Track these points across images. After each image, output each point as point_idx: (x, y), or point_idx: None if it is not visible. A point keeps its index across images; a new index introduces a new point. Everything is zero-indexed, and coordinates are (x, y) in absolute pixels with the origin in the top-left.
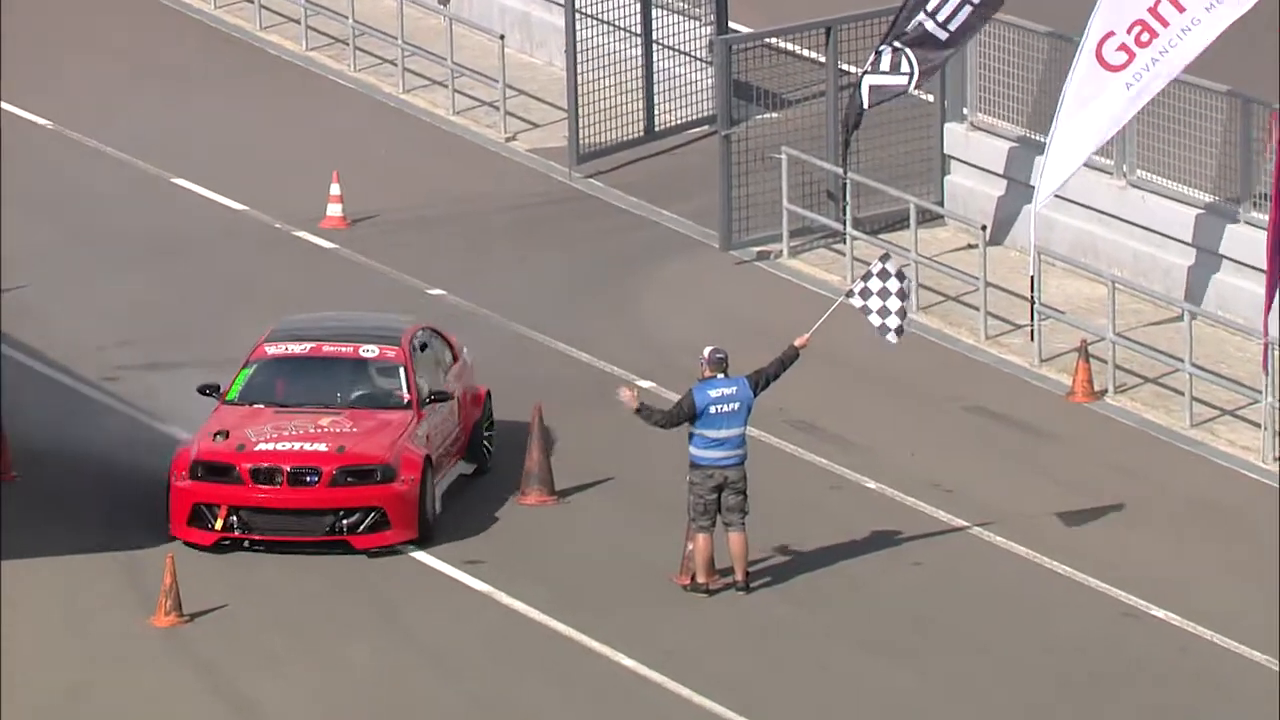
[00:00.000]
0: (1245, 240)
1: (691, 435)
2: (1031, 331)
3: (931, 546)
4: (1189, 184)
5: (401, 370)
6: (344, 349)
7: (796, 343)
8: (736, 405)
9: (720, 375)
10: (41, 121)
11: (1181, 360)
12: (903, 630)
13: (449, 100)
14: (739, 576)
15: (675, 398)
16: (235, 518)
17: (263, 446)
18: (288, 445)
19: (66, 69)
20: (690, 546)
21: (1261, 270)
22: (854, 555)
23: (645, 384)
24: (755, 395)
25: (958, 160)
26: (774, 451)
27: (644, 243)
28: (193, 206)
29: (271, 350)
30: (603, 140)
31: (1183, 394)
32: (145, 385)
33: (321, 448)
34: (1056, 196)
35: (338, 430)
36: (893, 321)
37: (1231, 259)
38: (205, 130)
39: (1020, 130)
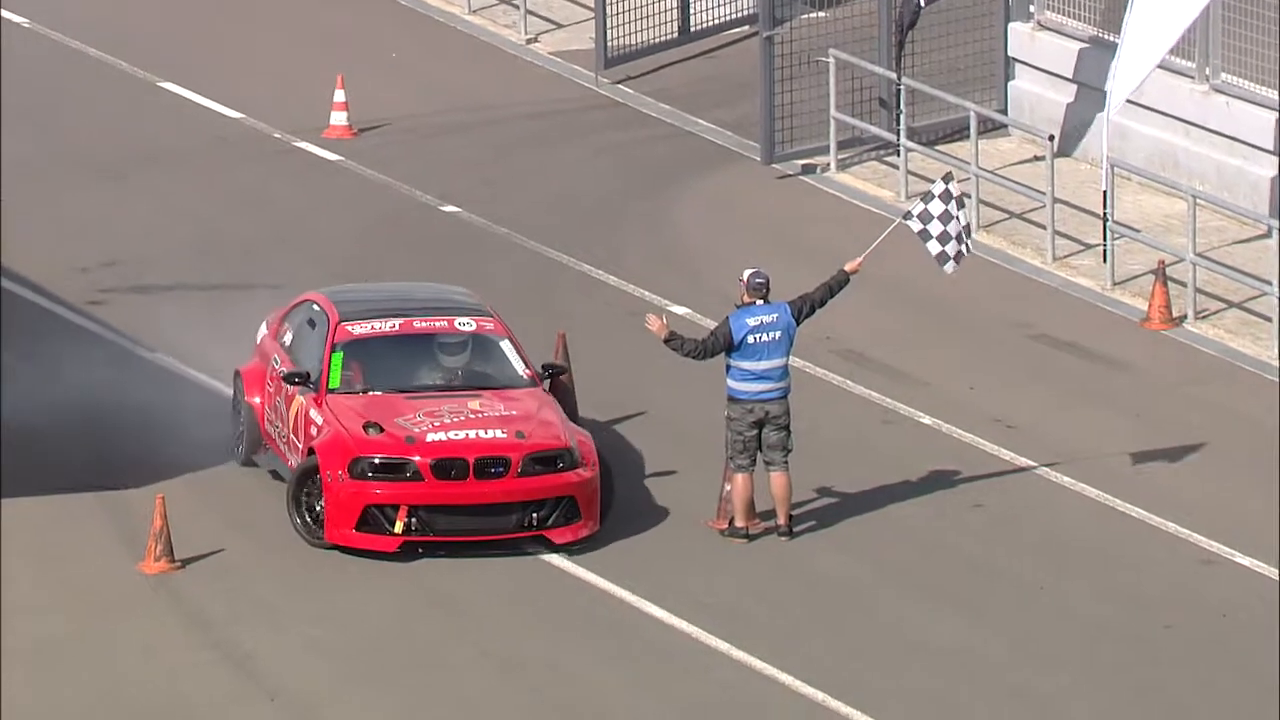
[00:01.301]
0: None
1: (729, 367)
2: (1104, 252)
3: (992, 488)
4: (1278, 87)
5: (507, 343)
6: (437, 323)
7: (847, 267)
8: (778, 334)
9: (760, 301)
10: (19, 20)
11: (1269, 283)
12: (959, 579)
13: None
14: (781, 520)
15: (710, 324)
16: (414, 519)
17: (435, 437)
18: (461, 434)
19: None
20: (728, 487)
21: None
22: (907, 497)
23: (678, 310)
24: (799, 323)
25: (1023, 63)
26: (819, 383)
27: (678, 155)
28: (183, 114)
29: (358, 330)
30: (633, 42)
31: (1270, 320)
32: (133, 310)
33: (500, 434)
34: (1131, 103)
35: (496, 414)
36: (951, 248)
37: None
38: (196, 30)
39: (1091, 29)
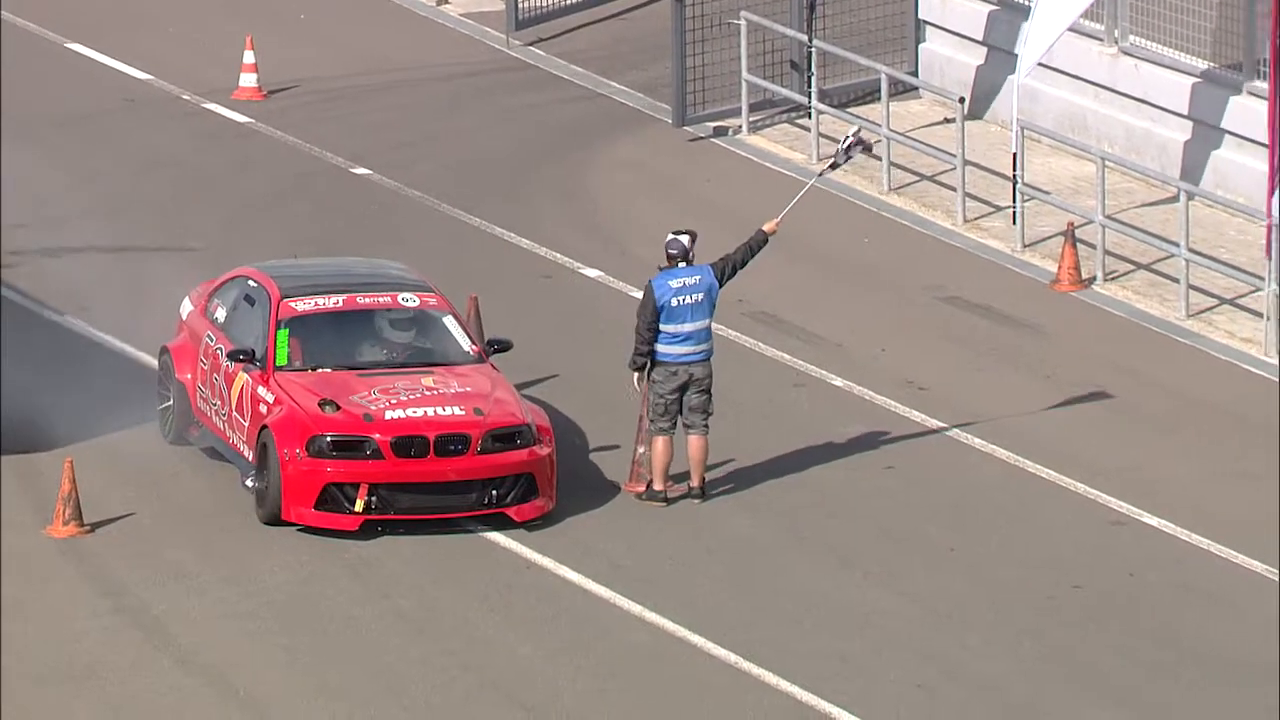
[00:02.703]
0: (1247, 112)
1: None
2: (1014, 214)
3: (904, 450)
4: (1186, 50)
5: (451, 318)
6: (381, 299)
7: (765, 227)
8: (700, 295)
9: (682, 264)
10: None
11: (1177, 244)
12: (871, 541)
13: None
14: (694, 482)
15: (624, 289)
16: (374, 497)
17: (394, 415)
18: (420, 412)
19: None
20: (641, 450)
21: (1264, 145)
22: (819, 460)
23: (591, 273)
24: (721, 284)
25: (934, 26)
26: (733, 346)
27: (590, 117)
28: (91, 75)
29: (301, 307)
30: (544, 4)
31: (1178, 281)
32: (42, 273)
33: (458, 411)
34: (1041, 65)
35: (452, 391)
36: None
37: (1232, 133)
38: None
39: None
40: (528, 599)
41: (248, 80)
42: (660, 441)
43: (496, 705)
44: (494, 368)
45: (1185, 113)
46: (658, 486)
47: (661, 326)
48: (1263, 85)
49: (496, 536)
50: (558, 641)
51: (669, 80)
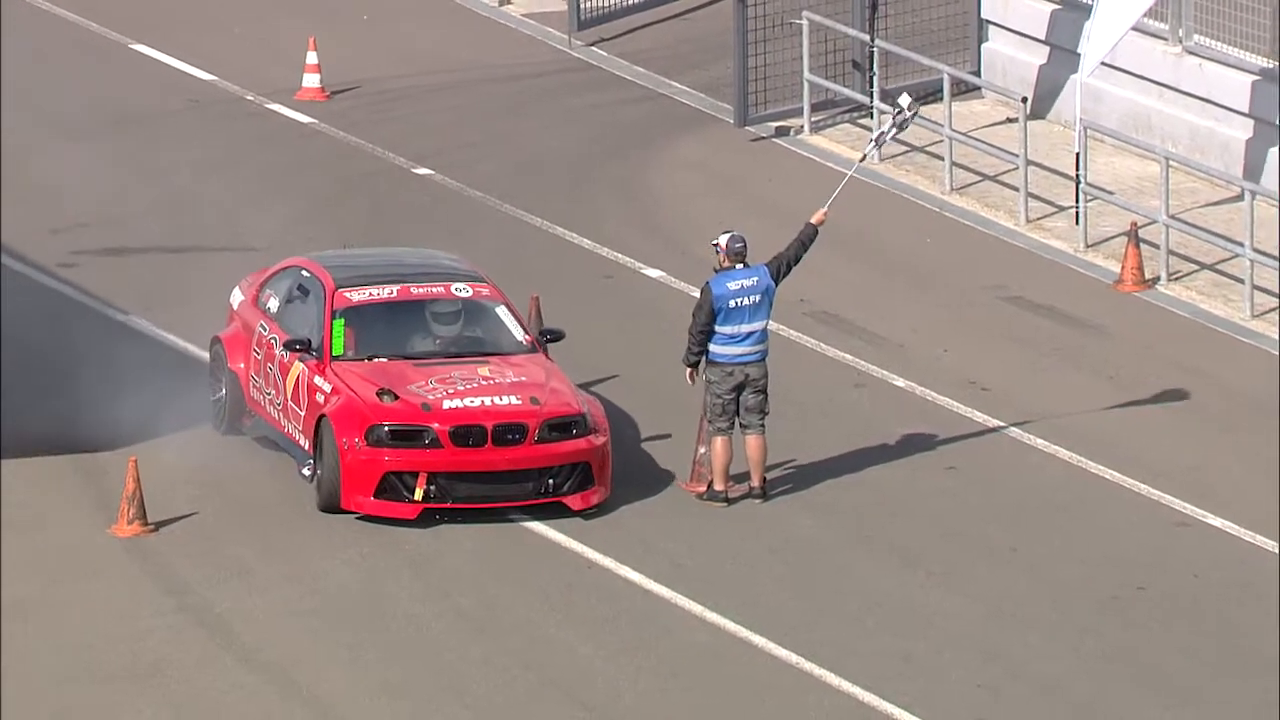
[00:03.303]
0: None
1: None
2: (1077, 214)
3: (966, 450)
4: (1251, 50)
5: (504, 308)
6: (434, 289)
7: (813, 219)
8: (758, 297)
9: (739, 265)
10: None
11: (1241, 244)
12: (934, 542)
13: None
14: (755, 482)
15: (685, 289)
16: (433, 486)
17: (452, 404)
18: (478, 401)
19: None
20: (702, 450)
21: None
22: (881, 460)
23: (652, 273)
24: (777, 283)
25: (996, 25)
26: (793, 346)
27: (651, 118)
28: (155, 75)
29: (355, 297)
30: (606, 4)
31: (1242, 281)
32: (106, 272)
33: (515, 401)
34: (1105, 65)
35: (508, 381)
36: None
37: None
38: None
39: None
40: (589, 598)
41: (310, 81)
42: (719, 441)
43: (557, 704)
44: (547, 357)
45: (1249, 112)
46: (718, 486)
47: (719, 328)
48: None
49: (558, 535)
50: (619, 641)
51: (731, 80)
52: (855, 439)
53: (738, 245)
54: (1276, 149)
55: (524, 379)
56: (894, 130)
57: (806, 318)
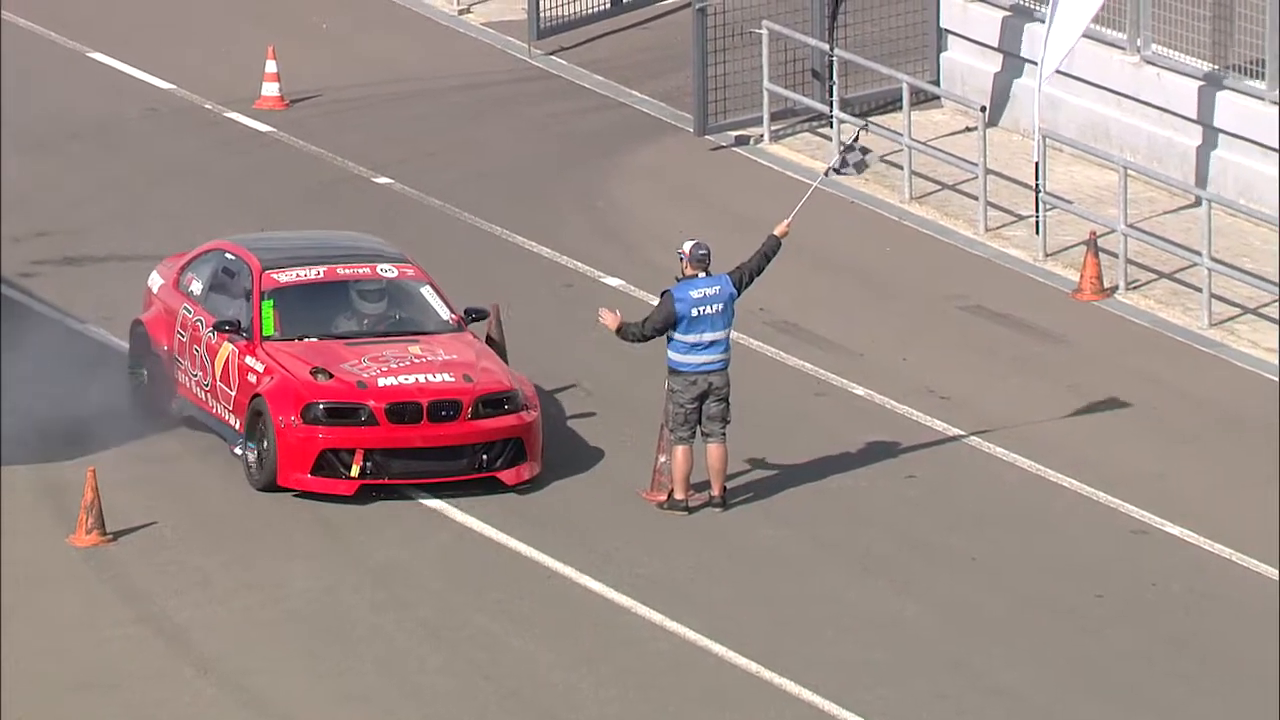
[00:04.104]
0: (1270, 121)
1: (670, 339)
2: (1036, 223)
3: (926, 458)
4: (1208, 59)
5: (429, 288)
6: (360, 269)
7: (776, 231)
8: (720, 306)
9: (702, 274)
10: None
11: (1199, 253)
12: (895, 550)
13: None
14: (716, 491)
15: (645, 297)
16: (369, 463)
17: (386, 382)
18: (411, 379)
19: None
20: (663, 459)
21: None
22: (842, 468)
23: (612, 282)
24: (739, 293)
25: (955, 34)
26: (754, 355)
27: (611, 127)
28: (114, 84)
29: (283, 278)
30: (565, 13)
31: (1200, 290)
32: (65, 281)
33: (449, 378)
34: (1063, 74)
35: (440, 359)
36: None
37: (1255, 141)
38: (126, 1)
39: (1023, 1)
40: (549, 608)
41: (270, 89)
42: (680, 451)
43: (518, 714)
44: (474, 336)
45: (1208, 121)
46: (679, 495)
47: (681, 336)
48: None
49: (518, 545)
50: (579, 651)
51: (690, 89)
52: (815, 448)
53: (700, 253)
54: (1235, 159)
55: (455, 357)
56: (850, 167)
57: (767, 327)
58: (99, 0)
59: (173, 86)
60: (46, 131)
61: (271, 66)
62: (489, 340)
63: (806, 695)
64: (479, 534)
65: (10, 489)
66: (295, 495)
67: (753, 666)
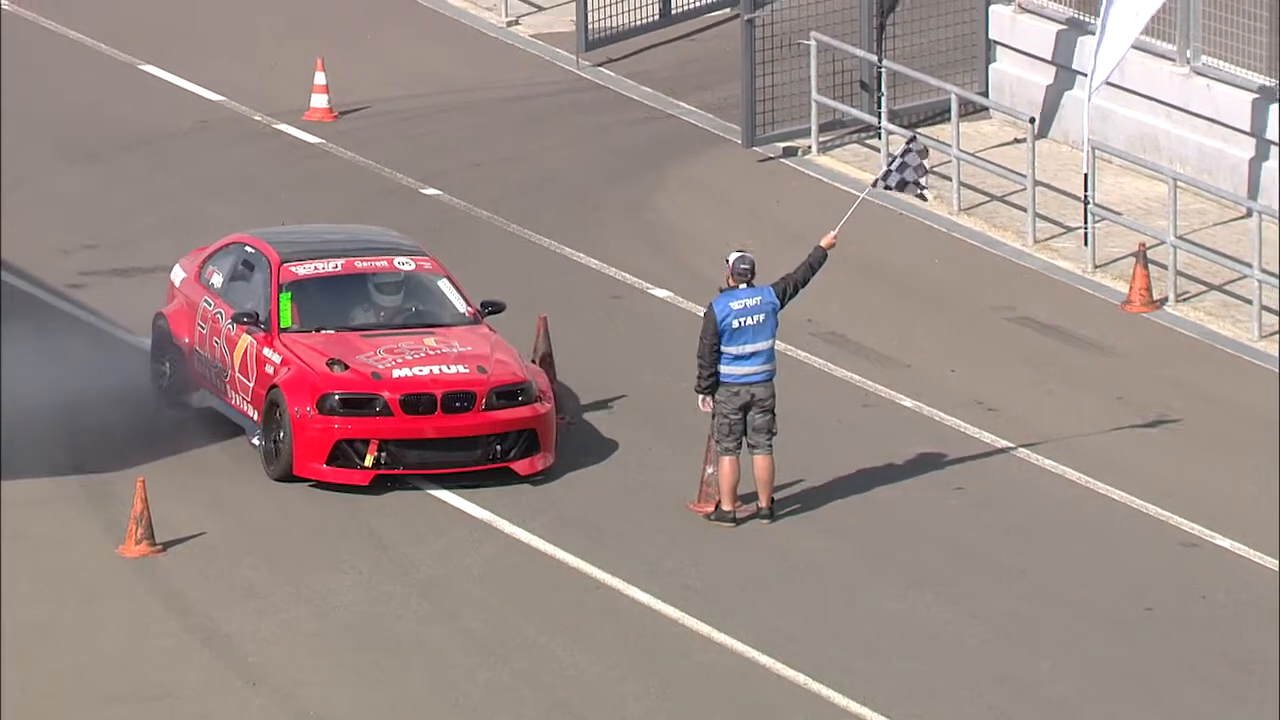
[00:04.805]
0: None
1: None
2: (1085, 234)
3: (973, 470)
4: (1258, 70)
5: (445, 281)
6: (378, 262)
7: (823, 242)
8: (762, 316)
9: (744, 285)
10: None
11: (1249, 265)
12: (943, 562)
13: None
14: (763, 502)
15: (693, 308)
16: (384, 453)
17: (401, 373)
18: (426, 370)
19: None
20: (709, 470)
21: None
22: (889, 480)
23: (660, 293)
24: (783, 304)
25: (1004, 46)
26: (801, 366)
27: (659, 138)
28: (164, 96)
29: (301, 271)
30: (614, 25)
31: (1250, 302)
32: (114, 293)
33: (463, 370)
34: (1113, 86)
35: (455, 351)
36: (911, 175)
37: None
38: (176, 13)
39: (1071, 11)
40: (597, 619)
41: (319, 101)
42: (727, 462)
43: None
44: (490, 329)
45: (1258, 132)
46: (726, 507)
47: (724, 348)
48: None
49: (565, 555)
50: (626, 662)
51: (738, 101)
52: (863, 459)
53: (743, 266)
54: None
55: (469, 349)
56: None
57: (814, 338)
58: (151, 13)
59: (223, 99)
60: (97, 144)
61: (320, 78)
62: (492, 310)
63: (855, 708)
64: (526, 545)
65: (60, 500)
66: (344, 508)
67: (800, 678)
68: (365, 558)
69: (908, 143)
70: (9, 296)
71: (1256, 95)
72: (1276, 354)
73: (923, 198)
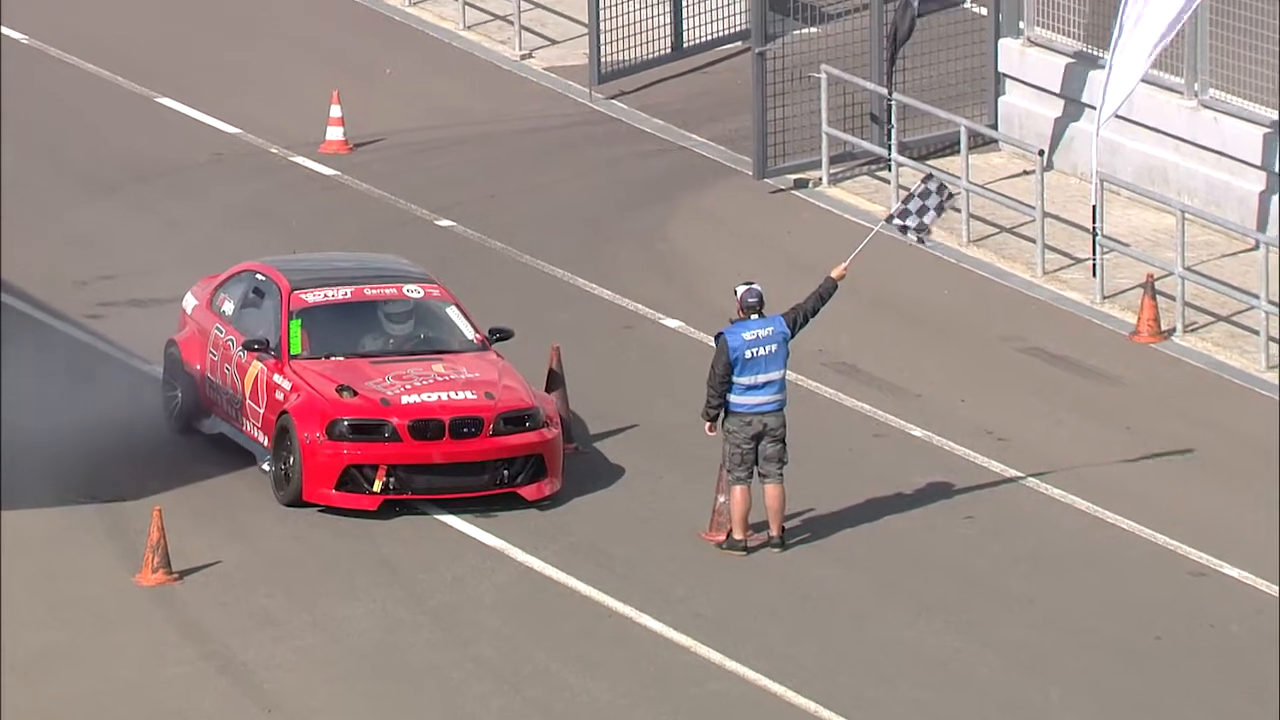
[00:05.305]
0: None
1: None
2: (1093, 266)
3: (983, 499)
4: (1266, 103)
5: (454, 308)
6: (387, 290)
7: (833, 273)
8: (774, 347)
9: (755, 316)
10: (18, 37)
11: (1257, 296)
12: (953, 591)
13: (459, 14)
14: (774, 531)
15: (703, 338)
16: (392, 478)
17: (410, 399)
18: (435, 396)
19: None
20: (721, 499)
21: None
22: (899, 509)
23: (671, 323)
24: (793, 334)
25: (1013, 79)
26: (812, 396)
27: (671, 170)
28: (181, 129)
29: (311, 298)
30: (626, 58)
31: (1258, 333)
32: (130, 323)
33: (471, 396)
34: (1121, 118)
35: (463, 377)
36: (923, 220)
37: None
38: (194, 47)
39: (1080, 45)
40: (609, 646)
41: (334, 134)
42: (738, 491)
43: None
44: (497, 355)
45: (1265, 164)
46: (737, 535)
47: (736, 378)
48: None
49: (576, 583)
50: (638, 689)
51: (750, 133)
52: (873, 488)
53: (751, 299)
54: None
55: (477, 375)
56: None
57: (825, 368)
58: (167, 47)
59: (239, 131)
60: (115, 176)
61: (336, 111)
62: (550, 375)
63: None
64: (538, 573)
65: (77, 528)
66: (357, 535)
67: (811, 706)
68: (379, 585)
69: (924, 181)
70: (30, 329)
71: (1264, 128)
72: (1277, 381)
73: (921, 241)
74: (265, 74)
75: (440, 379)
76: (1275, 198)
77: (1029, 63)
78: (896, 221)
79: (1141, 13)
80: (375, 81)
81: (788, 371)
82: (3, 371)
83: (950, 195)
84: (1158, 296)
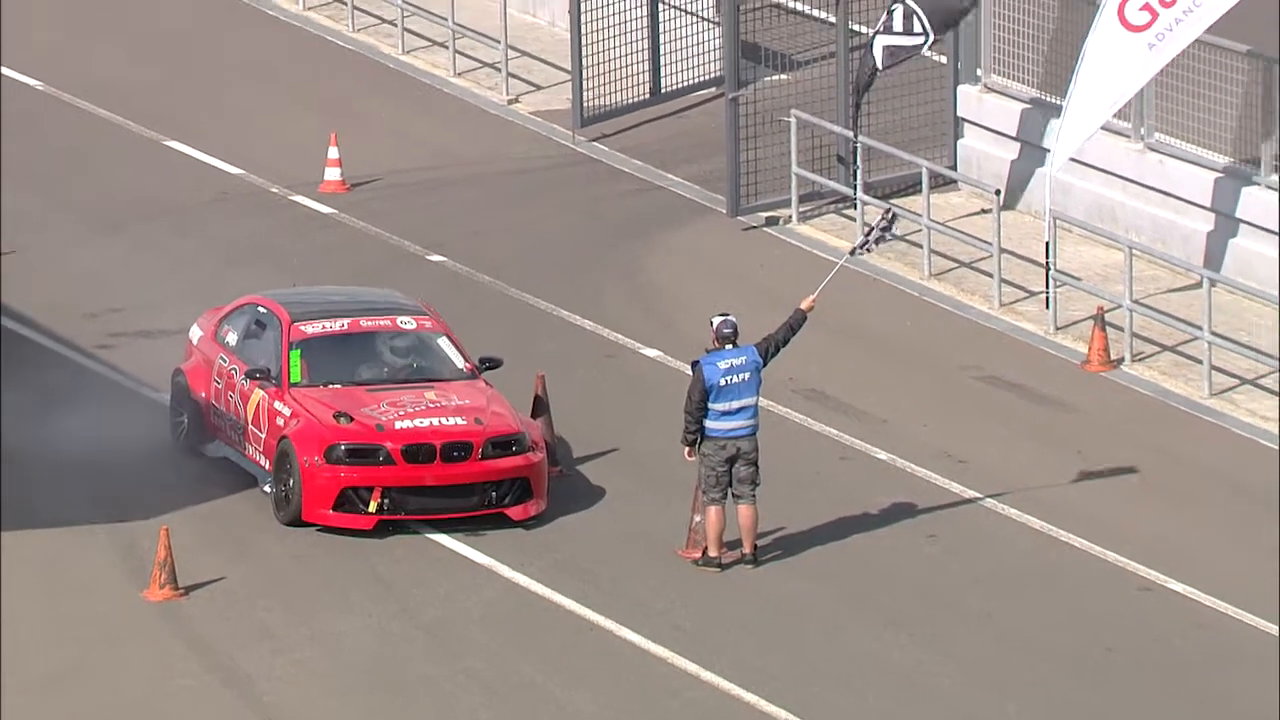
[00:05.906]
0: (1266, 204)
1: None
2: (1047, 298)
3: (944, 519)
4: (1209, 147)
5: (446, 339)
6: (382, 321)
7: (802, 305)
8: (747, 375)
9: (729, 346)
10: (32, 83)
11: (1200, 328)
12: (916, 606)
13: (450, 61)
14: (747, 549)
15: (680, 367)
16: (386, 499)
17: (403, 425)
18: (426, 422)
19: (56, 31)
20: (697, 518)
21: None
22: (865, 528)
23: (650, 353)
24: (765, 363)
25: (971, 123)
26: (782, 421)
27: (649, 208)
28: (186, 170)
29: (310, 330)
30: (607, 103)
31: (1201, 362)
32: (139, 353)
33: (460, 421)
34: (1073, 160)
35: (453, 404)
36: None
37: (1251, 223)
38: (199, 92)
39: (1034, 92)
40: (591, 659)
41: (332, 174)
42: (713, 510)
43: None
44: (486, 383)
45: (1208, 204)
46: (712, 553)
47: (711, 404)
48: (1278, 179)
49: (561, 599)
50: (620, 700)
51: (724, 173)
52: (841, 508)
53: (726, 330)
54: (1233, 239)
55: (467, 402)
56: (875, 243)
57: (795, 395)
58: (174, 92)
59: (242, 172)
60: (123, 216)
61: (334, 153)
62: (536, 402)
63: None
64: (525, 589)
65: (87, 547)
66: (353, 553)
67: (782, 714)
68: (374, 601)
69: (884, 215)
70: (39, 354)
71: (1207, 170)
72: (1276, 429)
73: (868, 250)
74: (267, 118)
75: (432, 406)
76: (1214, 234)
77: (986, 108)
78: (860, 252)
79: (1104, 59)
80: (372, 125)
81: (760, 398)
82: (8, 398)
83: (892, 223)
84: (1107, 328)
